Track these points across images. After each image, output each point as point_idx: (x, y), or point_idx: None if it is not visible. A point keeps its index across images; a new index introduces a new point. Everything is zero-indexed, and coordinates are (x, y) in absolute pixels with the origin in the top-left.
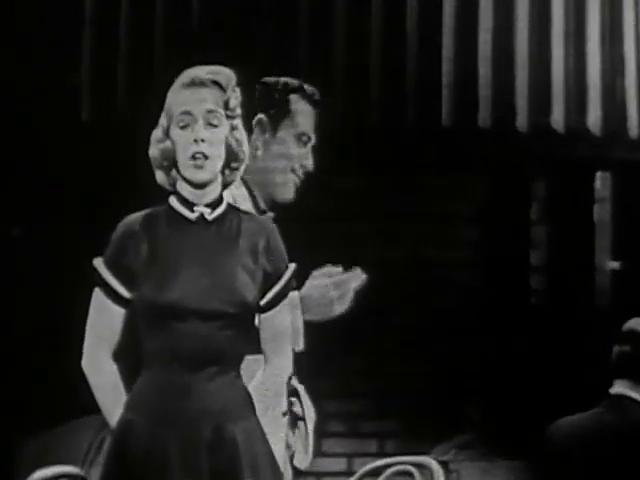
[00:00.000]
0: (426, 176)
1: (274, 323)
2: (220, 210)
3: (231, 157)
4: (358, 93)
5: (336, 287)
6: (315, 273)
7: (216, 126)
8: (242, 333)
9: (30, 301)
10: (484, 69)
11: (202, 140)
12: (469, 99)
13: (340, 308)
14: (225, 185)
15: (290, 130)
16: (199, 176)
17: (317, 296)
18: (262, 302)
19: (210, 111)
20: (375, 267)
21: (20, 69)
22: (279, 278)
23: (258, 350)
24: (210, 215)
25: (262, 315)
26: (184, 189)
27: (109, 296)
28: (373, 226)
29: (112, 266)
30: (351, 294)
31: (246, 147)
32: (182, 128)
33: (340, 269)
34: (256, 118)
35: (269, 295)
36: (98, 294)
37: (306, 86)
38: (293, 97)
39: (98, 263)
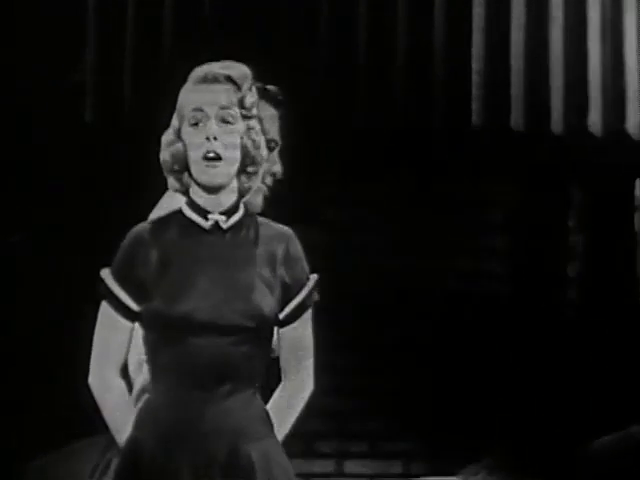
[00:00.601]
0: (454, 181)
1: (294, 338)
2: (236, 218)
3: (247, 160)
4: (381, 93)
5: None
6: None
7: (231, 124)
8: (259, 348)
9: (32, 313)
10: (516, 67)
11: (215, 138)
12: (500, 99)
13: None
14: (242, 192)
15: (268, 134)
16: (212, 179)
17: None
18: (281, 315)
19: (224, 107)
20: (403, 278)
21: (18, 65)
22: (299, 290)
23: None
24: (225, 223)
25: (281, 329)
26: (197, 195)
27: (117, 309)
28: (397, 236)
29: (120, 277)
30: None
31: (264, 150)
32: (193, 126)
33: None
34: None
35: (288, 308)
36: (105, 308)
37: (269, 87)
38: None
39: (105, 274)
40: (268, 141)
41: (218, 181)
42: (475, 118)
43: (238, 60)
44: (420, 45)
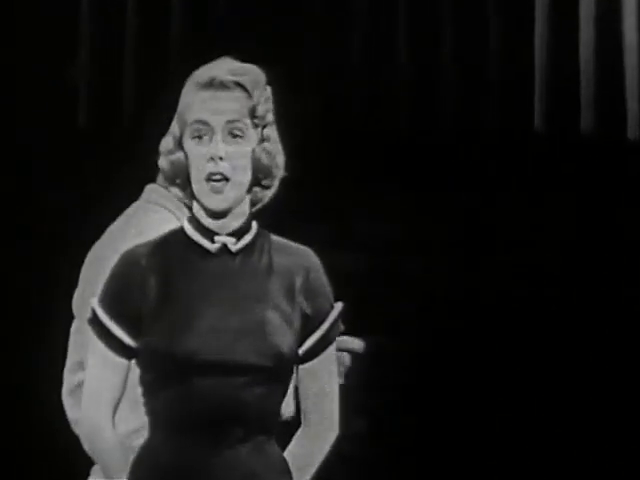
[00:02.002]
0: (511, 191)
1: (316, 376)
2: (248, 239)
3: (261, 174)
4: (429, 94)
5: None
6: None
7: (239, 138)
8: (276, 390)
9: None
10: (586, 64)
11: (220, 158)
12: (567, 101)
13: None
14: (254, 203)
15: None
16: (217, 204)
17: None
18: (301, 350)
19: (232, 121)
20: (457, 302)
21: (5, 63)
22: (322, 321)
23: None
24: (235, 245)
25: (301, 366)
26: (202, 214)
27: (110, 346)
28: (450, 256)
29: (113, 309)
30: (347, 361)
31: (281, 160)
32: (196, 139)
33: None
34: None
35: (309, 342)
36: (97, 343)
37: None
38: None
39: (95, 304)
40: None
41: (223, 206)
42: (539, 122)
43: (250, 61)
44: (474, 42)
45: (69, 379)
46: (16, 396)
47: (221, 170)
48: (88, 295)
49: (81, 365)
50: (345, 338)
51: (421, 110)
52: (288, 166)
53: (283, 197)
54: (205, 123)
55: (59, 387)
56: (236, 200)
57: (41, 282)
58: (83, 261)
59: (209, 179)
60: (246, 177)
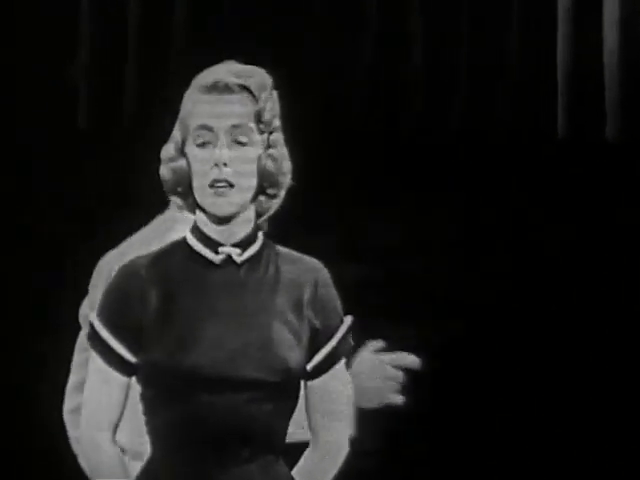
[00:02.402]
0: (531, 199)
1: (325, 393)
2: (253, 250)
3: (267, 182)
4: (443, 98)
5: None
6: (370, 346)
7: (244, 144)
8: (283, 407)
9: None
10: (610, 68)
11: (225, 164)
12: (592, 105)
13: (394, 397)
14: (259, 214)
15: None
16: (221, 208)
17: (370, 375)
18: (309, 366)
19: (237, 126)
20: (469, 309)
21: (5, 63)
22: (331, 336)
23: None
24: (240, 256)
25: (309, 383)
26: (205, 223)
27: (109, 362)
28: (468, 264)
29: (112, 323)
30: (402, 378)
31: (288, 168)
32: (200, 146)
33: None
34: None
35: (318, 357)
36: (95, 359)
37: None
38: None
39: (93, 318)
40: None
41: (228, 211)
42: (562, 128)
43: (253, 62)
44: (494, 44)
45: (71, 398)
46: (16, 403)
47: (225, 177)
48: None
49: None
50: (400, 354)
51: (437, 114)
52: (294, 173)
53: (288, 206)
54: (209, 128)
55: (59, 400)
56: (240, 206)
57: (41, 283)
58: (84, 264)
59: (213, 185)
60: (251, 184)
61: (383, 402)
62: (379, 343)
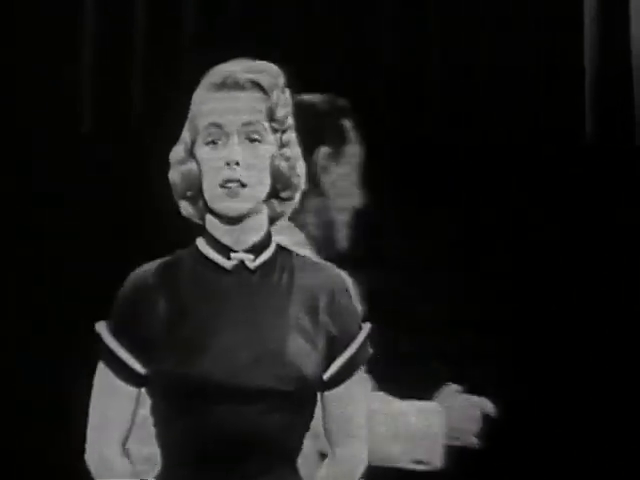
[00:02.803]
0: (559, 208)
1: (342, 403)
2: (267, 255)
3: (280, 184)
4: (466, 101)
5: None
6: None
7: (257, 142)
8: (299, 417)
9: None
10: (637, 70)
11: (236, 163)
12: (620, 110)
13: (474, 439)
14: (273, 220)
15: (352, 162)
16: (232, 206)
17: (460, 415)
18: (326, 375)
19: (248, 123)
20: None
21: (6, 64)
22: (349, 343)
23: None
24: (253, 262)
25: (326, 393)
26: (216, 228)
27: (118, 373)
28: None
29: (120, 333)
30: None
31: (302, 169)
32: (210, 145)
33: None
34: (321, 151)
35: (335, 366)
36: (103, 371)
37: (347, 103)
38: (347, 123)
39: (101, 329)
40: (360, 166)
41: (240, 209)
42: (590, 133)
43: (272, 60)
44: (519, 48)
45: None
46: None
47: (237, 176)
48: None
49: None
50: (482, 399)
51: (461, 117)
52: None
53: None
54: (219, 126)
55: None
56: (253, 207)
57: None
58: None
59: (224, 186)
60: (264, 183)
61: (466, 443)
62: (458, 386)
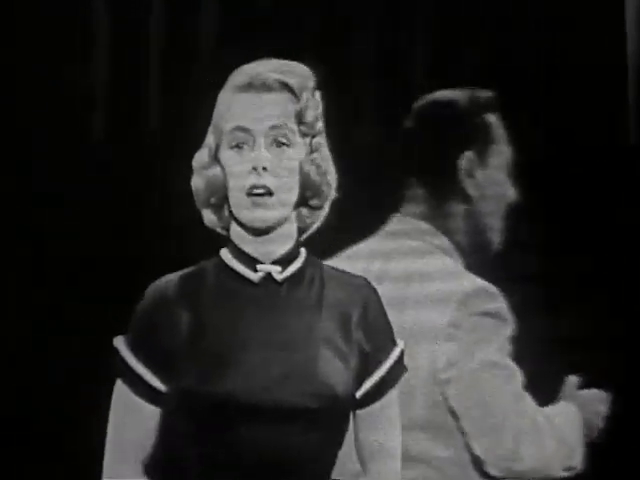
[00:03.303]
0: (604, 210)
1: (375, 424)
2: (295, 267)
3: (309, 191)
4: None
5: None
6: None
7: (285, 146)
8: (331, 436)
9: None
10: None
11: (264, 168)
12: None
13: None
14: (303, 231)
15: (498, 162)
16: (260, 216)
17: (589, 408)
18: (358, 393)
19: (276, 127)
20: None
21: (7, 64)
22: (382, 360)
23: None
24: (281, 274)
25: (358, 411)
26: (241, 238)
27: (137, 390)
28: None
29: (140, 349)
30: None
31: (332, 176)
32: (235, 149)
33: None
34: (465, 155)
35: (368, 384)
36: (121, 388)
37: (494, 95)
38: (493, 118)
39: (119, 344)
40: (509, 164)
41: (268, 219)
42: (634, 135)
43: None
44: (560, 48)
45: None
46: None
47: (265, 182)
48: None
49: None
50: (600, 393)
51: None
52: (340, 184)
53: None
54: (245, 130)
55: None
56: (281, 217)
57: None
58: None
59: (251, 193)
60: (292, 190)
61: (592, 437)
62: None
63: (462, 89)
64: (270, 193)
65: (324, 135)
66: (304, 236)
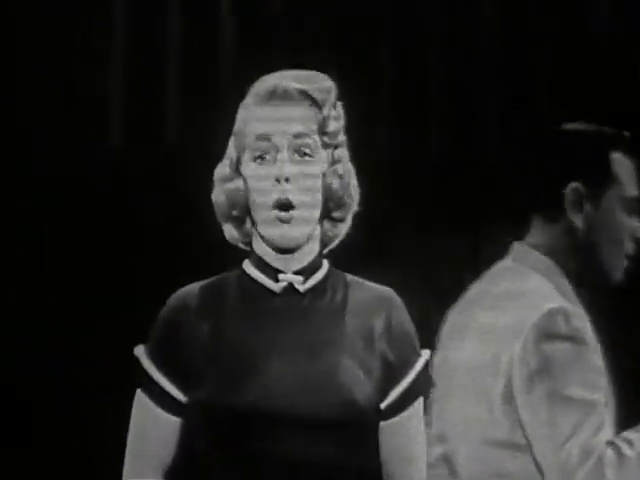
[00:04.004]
0: None
1: (400, 435)
2: (318, 277)
3: (332, 202)
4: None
5: None
6: None
7: (308, 157)
8: (355, 448)
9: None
10: None
11: (286, 179)
12: None
13: None
14: (325, 242)
15: (616, 197)
16: (284, 235)
17: None
18: (383, 405)
19: (299, 135)
20: None
21: (18, 67)
22: (407, 371)
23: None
24: (303, 285)
25: (382, 423)
26: (264, 251)
27: (157, 401)
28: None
29: (160, 358)
30: None
31: (355, 188)
32: (258, 160)
33: None
34: (570, 187)
35: (393, 395)
36: (142, 398)
37: (625, 133)
38: (616, 156)
39: (140, 353)
40: (630, 201)
41: (292, 239)
42: None
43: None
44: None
45: None
46: None
47: (288, 196)
48: None
49: None
50: None
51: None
52: (362, 197)
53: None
54: (267, 138)
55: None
56: (305, 234)
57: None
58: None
59: (275, 207)
60: (316, 204)
61: None
62: None
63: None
64: (292, 206)
65: (345, 147)
66: (326, 250)
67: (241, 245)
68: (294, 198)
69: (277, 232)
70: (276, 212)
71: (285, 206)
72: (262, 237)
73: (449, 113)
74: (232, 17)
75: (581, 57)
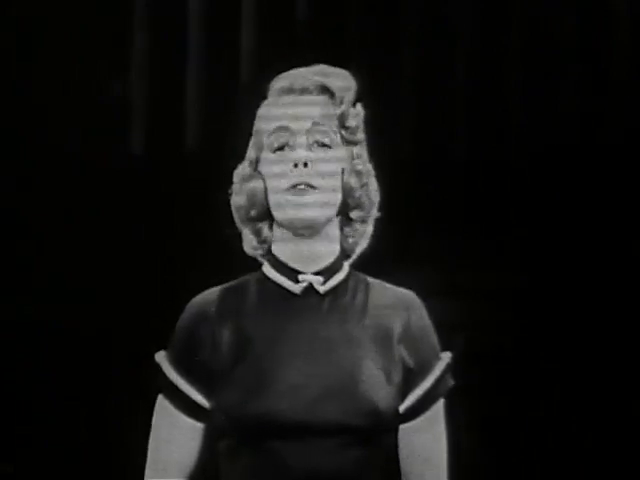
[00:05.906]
0: None
1: (419, 438)
2: (338, 278)
3: (351, 202)
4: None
5: None
6: None
7: (327, 147)
8: (374, 455)
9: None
10: None
11: (305, 164)
12: None
13: None
14: (346, 250)
15: None
16: (300, 213)
17: None
18: (402, 408)
19: (318, 123)
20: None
21: (40, 72)
22: (427, 374)
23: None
24: (323, 286)
25: (402, 426)
26: (282, 250)
27: (179, 406)
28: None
29: (181, 364)
30: None
31: (374, 194)
32: (276, 151)
33: None
34: None
35: (412, 398)
36: (163, 404)
37: None
38: None
39: (161, 359)
40: None
41: (309, 214)
42: None
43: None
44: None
45: None
46: None
47: (306, 179)
48: None
49: None
50: None
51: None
52: (383, 203)
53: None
54: (286, 129)
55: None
56: (324, 216)
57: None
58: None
59: (292, 189)
60: (336, 190)
61: None
62: None
63: None
64: (312, 186)
65: (365, 148)
66: (350, 260)
67: (259, 258)
68: (313, 181)
69: (292, 212)
70: (293, 196)
71: (302, 187)
72: (279, 224)
73: (469, 113)
74: (253, 21)
75: (604, 61)
